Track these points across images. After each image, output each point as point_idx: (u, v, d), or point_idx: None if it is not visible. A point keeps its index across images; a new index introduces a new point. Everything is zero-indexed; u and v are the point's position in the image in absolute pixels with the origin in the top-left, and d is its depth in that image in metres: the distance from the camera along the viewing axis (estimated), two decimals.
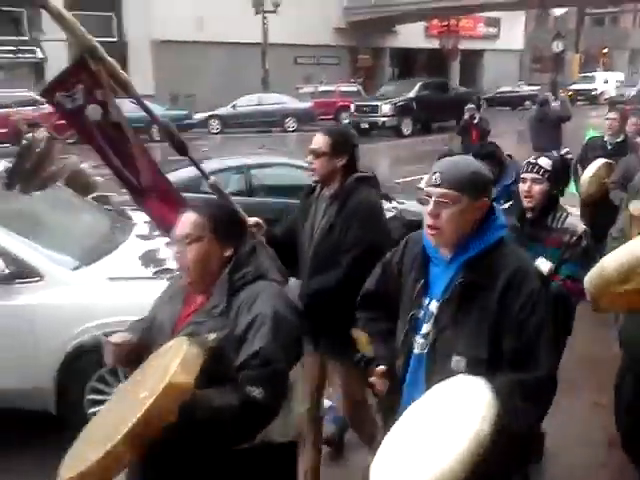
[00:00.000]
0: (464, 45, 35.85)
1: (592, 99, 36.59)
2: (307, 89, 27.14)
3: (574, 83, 38.18)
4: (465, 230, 1.84)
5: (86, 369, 3.59)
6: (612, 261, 2.28)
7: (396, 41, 35.15)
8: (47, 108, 17.27)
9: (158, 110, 21.27)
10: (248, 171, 6.87)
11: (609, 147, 6.12)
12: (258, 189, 6.89)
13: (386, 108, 21.95)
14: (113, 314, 3.37)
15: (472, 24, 37.25)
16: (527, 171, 3.09)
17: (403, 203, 6.42)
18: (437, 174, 1.84)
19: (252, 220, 2.78)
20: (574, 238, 2.97)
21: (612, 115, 6.36)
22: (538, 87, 39.73)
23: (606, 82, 38.77)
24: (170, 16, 25.86)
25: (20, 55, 23.66)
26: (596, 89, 37.55)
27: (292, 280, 2.63)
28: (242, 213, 2.61)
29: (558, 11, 42.63)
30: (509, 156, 5.44)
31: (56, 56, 24.20)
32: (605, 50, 45.47)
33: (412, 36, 35.12)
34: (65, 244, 4.05)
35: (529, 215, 3.07)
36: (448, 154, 8.38)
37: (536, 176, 3.03)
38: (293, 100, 24.68)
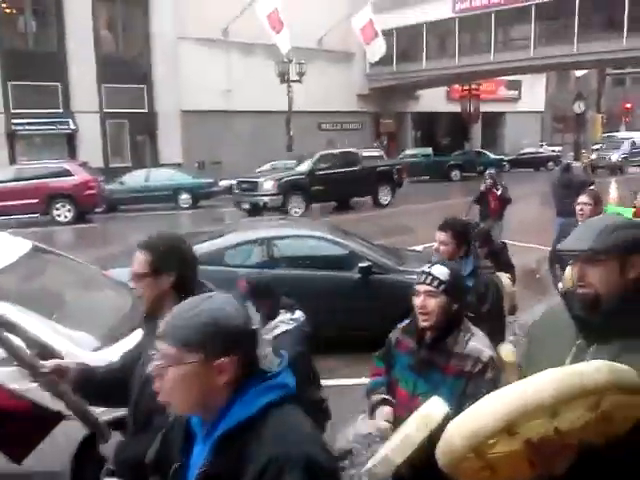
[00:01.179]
0: (485, 108, 36.35)
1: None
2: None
3: (597, 143, 38.27)
4: (202, 397, 1.38)
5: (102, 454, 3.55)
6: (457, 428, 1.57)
7: (418, 105, 35.79)
8: (78, 179, 17.99)
9: (185, 178, 21.98)
10: (270, 243, 6.94)
11: None
12: (280, 261, 6.94)
13: (268, 185, 18.69)
14: None
15: (493, 87, 37.84)
16: (420, 282, 2.53)
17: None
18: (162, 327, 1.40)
19: (50, 364, 2.27)
20: (478, 367, 2.40)
21: (584, 199, 5.34)
22: (560, 147, 40.00)
23: (633, 144, 38.71)
24: (199, 87, 26.76)
25: (54, 127, 24.56)
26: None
27: None
28: None
29: (579, 72, 43.20)
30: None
31: (88, 127, 25.21)
32: (628, 105, 45.63)
33: (434, 100, 35.76)
34: (86, 323, 4.08)
35: (427, 336, 2.52)
36: (479, 229, 8.30)
37: (430, 288, 2.47)
38: None
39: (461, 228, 3.66)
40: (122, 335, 4.04)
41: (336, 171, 19.75)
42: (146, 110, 27.13)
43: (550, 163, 34.86)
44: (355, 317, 6.48)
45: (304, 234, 7.46)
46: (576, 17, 25.70)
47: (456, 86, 35.54)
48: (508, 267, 6.07)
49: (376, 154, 28.02)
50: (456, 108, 35.94)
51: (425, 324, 2.47)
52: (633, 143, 33.79)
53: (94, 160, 22.97)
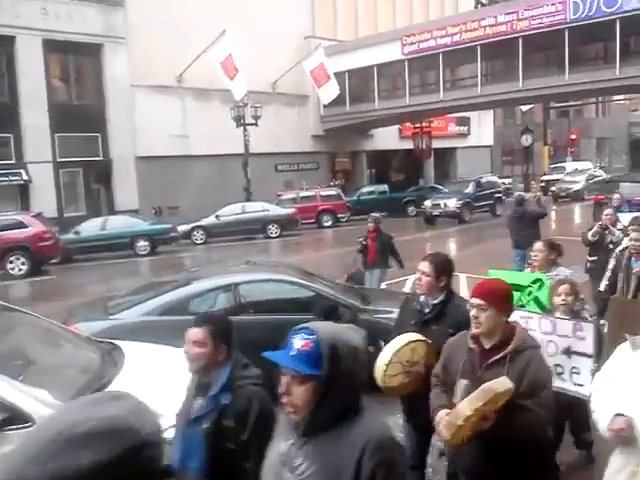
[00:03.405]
0: (437, 144, 37.26)
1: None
2: (288, 195, 27.80)
3: (545, 174, 39.54)
4: None
5: None
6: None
7: (372, 144, 36.48)
8: (33, 230, 17.59)
9: (142, 225, 21.77)
10: (236, 289, 6.92)
11: None
12: (247, 306, 6.93)
13: None
14: None
15: (444, 124, 38.88)
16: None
17: None
18: None
19: None
20: None
21: (538, 246, 5.50)
22: (510, 180, 41.18)
23: (576, 171, 40.16)
24: (154, 133, 26.73)
25: (6, 179, 24.10)
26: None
27: None
28: None
29: (524, 107, 44.82)
30: None
31: (41, 177, 24.83)
32: (573, 136, 47.42)
33: (387, 138, 36.51)
34: (56, 383, 4.00)
35: None
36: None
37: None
38: (275, 207, 25.24)
39: (442, 262, 3.92)
40: (93, 393, 3.96)
41: None
42: (101, 157, 26.92)
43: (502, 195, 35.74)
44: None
45: (269, 278, 7.46)
46: (520, 56, 26.81)
47: (408, 124, 36.40)
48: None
49: (334, 193, 28.41)
50: (409, 145, 36.75)
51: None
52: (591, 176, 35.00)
53: (48, 210, 22.54)
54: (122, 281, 14.70)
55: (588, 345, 4.04)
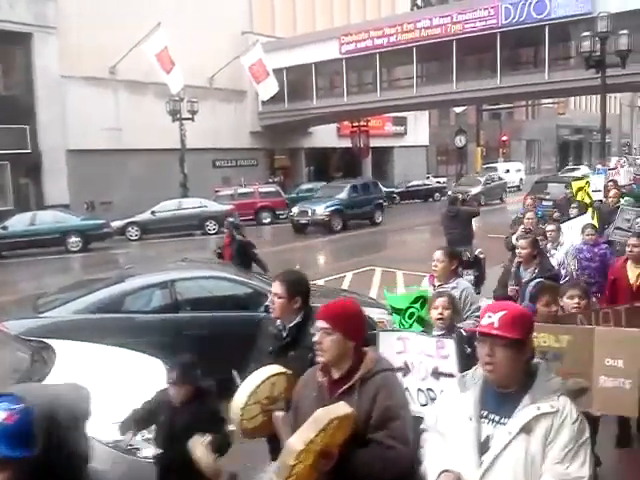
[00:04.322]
0: (375, 143, 37.73)
1: None
2: (226, 191, 27.56)
3: (478, 174, 40.65)
4: None
5: None
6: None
7: (310, 141, 36.59)
8: None
9: (74, 220, 21.12)
10: (172, 286, 6.83)
11: None
12: (183, 304, 6.85)
13: None
14: None
15: (381, 123, 39.39)
16: None
17: None
18: None
19: None
20: None
21: (438, 255, 5.20)
22: (445, 179, 42.20)
23: (507, 171, 41.57)
24: (86, 126, 25.97)
25: None
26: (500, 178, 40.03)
27: None
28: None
29: (458, 109, 45.92)
30: None
31: None
32: (504, 138, 48.97)
33: (325, 136, 36.72)
34: None
35: None
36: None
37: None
38: (213, 203, 24.97)
39: (294, 281, 3.62)
40: None
41: None
42: (30, 150, 25.90)
43: (437, 194, 36.64)
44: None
45: (206, 275, 7.39)
46: (454, 58, 27.47)
47: (346, 122, 36.70)
48: None
49: (273, 189, 28.35)
50: (347, 143, 37.06)
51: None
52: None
53: None
54: (53, 278, 14.27)
55: (451, 364, 3.67)
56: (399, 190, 36.41)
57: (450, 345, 3.71)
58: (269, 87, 29.44)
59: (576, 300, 4.25)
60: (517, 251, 5.92)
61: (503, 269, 6.27)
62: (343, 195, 24.59)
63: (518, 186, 40.13)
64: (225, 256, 10.00)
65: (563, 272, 6.76)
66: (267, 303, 6.68)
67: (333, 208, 23.56)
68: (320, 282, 11.73)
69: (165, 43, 25.76)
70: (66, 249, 20.29)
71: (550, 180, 23.98)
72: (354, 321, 2.69)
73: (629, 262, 5.80)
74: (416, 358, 3.81)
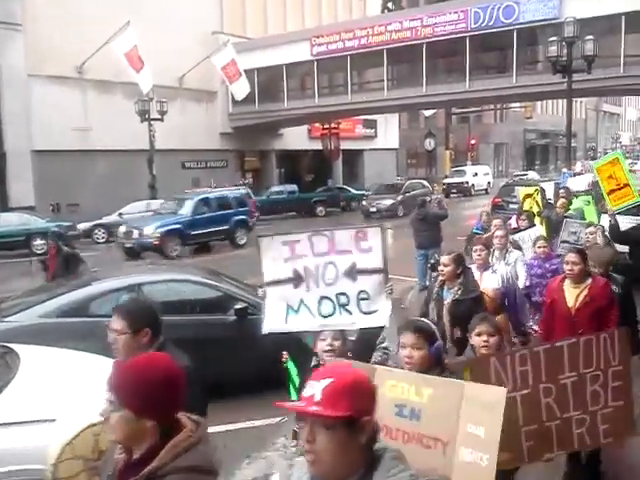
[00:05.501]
0: (345, 145, 37.81)
1: (464, 191, 39.51)
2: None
3: (447, 177, 41.11)
4: None
5: None
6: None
7: (281, 143, 36.51)
8: None
9: (39, 222, 20.70)
10: (140, 289, 6.72)
11: None
12: None
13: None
14: None
15: (352, 126, 39.51)
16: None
17: None
18: None
19: None
20: None
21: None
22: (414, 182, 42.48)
23: (475, 175, 42.09)
24: (53, 126, 25.49)
25: None
26: (467, 182, 40.58)
27: None
28: None
29: (427, 112, 46.36)
30: None
31: None
32: (473, 141, 49.57)
33: (296, 138, 36.67)
34: None
35: None
36: None
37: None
38: None
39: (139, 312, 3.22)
40: None
41: None
42: None
43: None
44: (235, 360, 6.39)
45: (175, 278, 7.30)
46: (424, 62, 27.70)
47: (317, 124, 36.72)
48: None
49: (243, 192, 28.14)
50: (318, 146, 37.07)
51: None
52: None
53: None
54: (17, 282, 13.95)
55: (376, 257, 3.30)
56: (369, 193, 36.54)
57: (375, 234, 3.29)
58: (242, 87, 29.38)
59: (484, 337, 3.60)
60: (440, 268, 5.20)
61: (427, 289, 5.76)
62: (186, 211, 19.78)
63: (486, 189, 40.65)
64: (50, 267, 9.70)
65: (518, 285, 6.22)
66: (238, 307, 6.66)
67: (167, 228, 18.58)
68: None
69: (134, 42, 25.44)
70: (31, 252, 19.87)
71: (518, 183, 24.29)
72: (146, 394, 1.95)
73: (567, 282, 4.94)
74: (313, 262, 3.34)
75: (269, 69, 32.17)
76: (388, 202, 28.54)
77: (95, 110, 27.39)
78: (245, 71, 29.52)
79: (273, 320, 3.50)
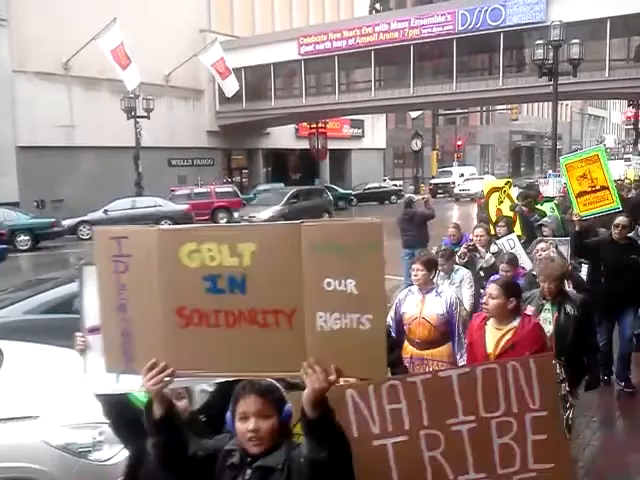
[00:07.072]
0: (332, 145, 37.85)
1: (451, 191, 39.67)
2: (182, 191, 27.23)
3: (433, 177, 41.30)
4: None
5: None
6: None
7: (268, 142, 36.48)
8: None
9: (23, 218, 20.54)
10: None
11: None
12: None
13: None
14: None
15: (339, 126, 39.57)
16: None
17: None
18: None
19: None
20: None
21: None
22: (401, 182, 42.68)
23: (461, 175, 42.28)
24: (38, 122, 25.33)
25: None
26: (454, 182, 40.74)
27: None
28: None
29: (414, 113, 46.54)
30: None
31: None
32: (459, 143, 49.81)
33: (283, 137, 36.66)
34: None
35: None
36: None
37: None
38: (168, 202, 24.63)
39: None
40: None
41: None
42: None
43: (393, 197, 36.99)
44: None
45: None
46: (411, 63, 27.81)
47: (304, 124, 36.73)
48: None
49: (230, 190, 28.13)
50: (305, 145, 37.09)
51: None
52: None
53: None
54: (1, 278, 13.81)
55: None
56: (356, 192, 36.65)
57: None
58: (232, 84, 29.38)
59: None
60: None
61: None
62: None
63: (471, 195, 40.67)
64: None
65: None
66: None
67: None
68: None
69: (121, 39, 25.29)
70: (15, 248, 19.71)
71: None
72: None
73: (491, 320, 3.97)
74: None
75: (257, 68, 32.13)
76: (265, 215, 22.22)
77: (81, 107, 27.21)
78: (233, 69, 29.48)
79: (100, 378, 2.36)
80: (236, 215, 23.83)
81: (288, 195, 24.48)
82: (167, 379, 1.94)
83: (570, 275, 5.64)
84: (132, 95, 25.73)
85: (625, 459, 5.05)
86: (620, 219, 6.39)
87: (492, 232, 7.76)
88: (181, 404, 2.46)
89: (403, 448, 2.35)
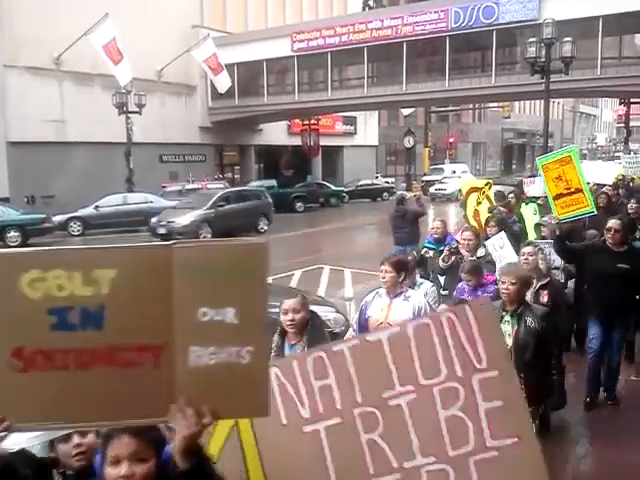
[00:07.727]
0: (325, 142, 37.82)
1: (425, 190, 39.50)
2: (174, 187, 27.11)
3: (425, 174, 41.32)
4: None
5: None
6: None
7: (261, 138, 36.40)
8: None
9: (13, 214, 20.39)
10: None
11: None
12: None
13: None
14: None
15: (331, 122, 39.52)
16: None
17: None
18: None
19: None
20: None
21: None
22: (393, 179, 42.71)
23: (454, 172, 42.31)
24: (28, 117, 25.13)
25: None
26: (444, 179, 40.71)
27: None
28: None
29: (407, 110, 46.55)
30: None
31: None
32: (451, 140, 49.87)
33: (275, 134, 36.59)
34: None
35: None
36: None
37: None
38: (159, 199, 24.52)
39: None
40: None
41: None
42: None
43: (385, 194, 37.01)
44: None
45: None
46: (404, 60, 27.80)
47: (297, 120, 36.67)
48: None
49: (221, 186, 28.03)
50: (297, 141, 37.03)
51: None
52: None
53: None
54: None
55: None
56: (348, 189, 36.64)
57: None
58: (224, 80, 29.32)
59: None
60: (281, 318, 3.77)
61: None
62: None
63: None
64: None
65: None
66: None
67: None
68: (269, 280, 11.67)
69: (113, 34, 25.13)
70: (4, 244, 19.57)
71: (495, 182, 24.48)
72: None
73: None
74: None
75: (249, 64, 32.03)
76: (185, 220, 20.05)
77: (72, 102, 27.03)
78: (225, 66, 29.38)
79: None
80: (154, 220, 20.56)
81: (215, 197, 21.54)
82: (1, 434, 1.62)
83: (549, 284, 5.56)
84: (124, 91, 25.58)
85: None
86: (612, 222, 5.84)
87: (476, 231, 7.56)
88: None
89: (337, 432, 2.05)
